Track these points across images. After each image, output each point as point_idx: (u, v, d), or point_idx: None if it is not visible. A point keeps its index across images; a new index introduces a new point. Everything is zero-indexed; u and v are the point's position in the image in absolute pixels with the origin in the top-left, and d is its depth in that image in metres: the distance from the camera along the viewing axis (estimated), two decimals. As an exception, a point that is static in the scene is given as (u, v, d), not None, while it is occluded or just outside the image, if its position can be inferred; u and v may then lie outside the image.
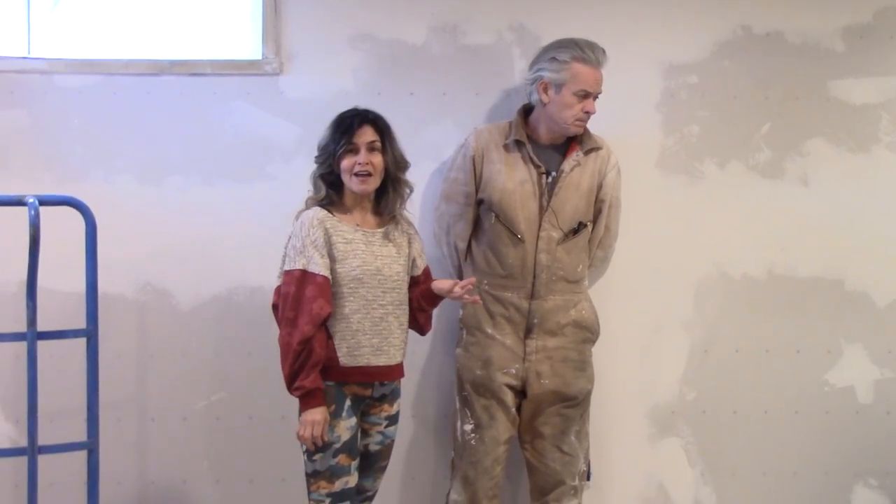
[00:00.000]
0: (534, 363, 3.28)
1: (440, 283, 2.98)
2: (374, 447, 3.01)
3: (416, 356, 3.54)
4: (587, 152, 3.31)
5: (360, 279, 2.86)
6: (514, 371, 3.28)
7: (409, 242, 3.03)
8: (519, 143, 3.27)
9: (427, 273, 3.08)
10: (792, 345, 3.69)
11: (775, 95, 3.66)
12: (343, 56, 3.59)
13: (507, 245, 3.27)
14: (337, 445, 2.84)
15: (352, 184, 2.88)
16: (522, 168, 3.26)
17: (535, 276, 3.26)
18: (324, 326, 2.84)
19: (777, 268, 3.68)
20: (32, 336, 2.85)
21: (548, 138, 3.29)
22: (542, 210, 3.25)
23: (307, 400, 2.79)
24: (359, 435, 2.93)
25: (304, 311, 2.78)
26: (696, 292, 3.67)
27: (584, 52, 3.15)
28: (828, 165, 3.67)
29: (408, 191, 3.01)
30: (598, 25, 3.61)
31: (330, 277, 2.84)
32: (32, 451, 2.87)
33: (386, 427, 3.01)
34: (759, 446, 3.70)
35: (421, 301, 3.01)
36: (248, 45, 3.65)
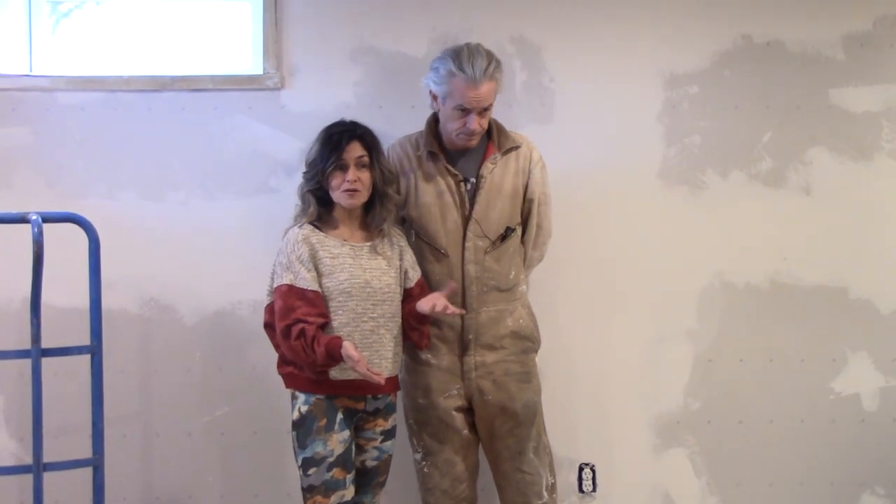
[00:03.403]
0: (474, 380, 3.13)
1: (422, 304, 2.92)
2: (370, 463, 3.00)
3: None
4: (505, 152, 3.17)
5: (348, 292, 2.86)
6: (455, 392, 3.14)
7: (401, 255, 3.02)
8: (432, 154, 3.14)
9: (421, 284, 3.05)
10: (796, 354, 3.68)
11: (776, 104, 3.66)
12: (344, 69, 3.60)
13: (430, 262, 3.13)
14: (330, 459, 2.83)
15: (340, 199, 2.90)
16: (440, 179, 3.13)
17: (464, 290, 3.11)
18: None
19: (780, 276, 3.67)
20: (36, 353, 2.85)
21: (456, 145, 3.15)
22: (465, 220, 3.12)
23: (336, 358, 2.75)
24: (353, 448, 2.92)
25: (293, 317, 2.79)
26: (700, 302, 3.66)
27: (462, 66, 2.97)
28: (830, 174, 3.67)
29: (392, 203, 3.02)
30: (599, 36, 3.63)
31: (321, 291, 2.84)
32: (38, 468, 2.87)
33: (382, 442, 3.00)
34: (764, 456, 3.68)
35: (410, 320, 2.98)
36: (249, 59, 3.66)
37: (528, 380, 3.21)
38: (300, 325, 2.77)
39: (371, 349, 2.88)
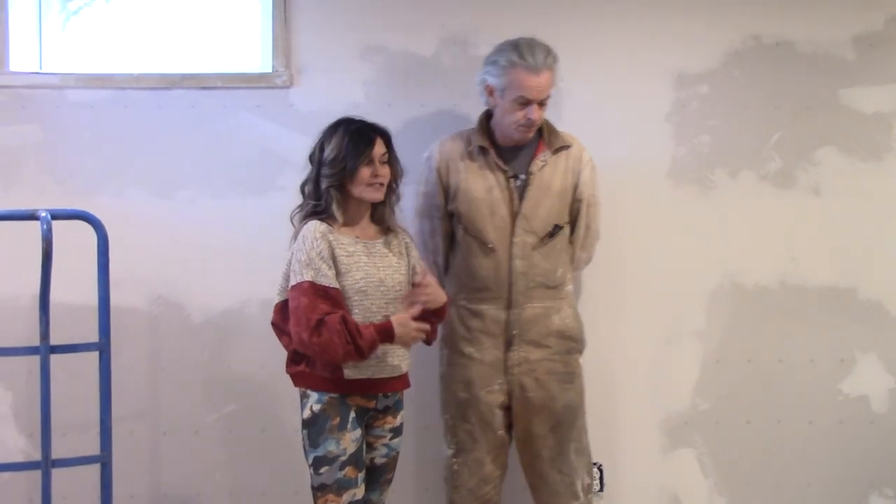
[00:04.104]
0: (517, 376, 3.15)
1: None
2: (379, 460, 3.00)
3: (427, 367, 3.53)
4: (556, 151, 3.20)
5: (363, 291, 2.85)
6: (497, 387, 3.16)
7: (408, 251, 3.03)
8: (483, 150, 3.17)
9: (423, 276, 3.01)
10: (805, 354, 3.67)
11: (786, 105, 3.65)
12: (353, 68, 3.60)
13: (477, 256, 3.16)
14: (343, 458, 2.83)
15: (365, 193, 2.89)
16: (489, 174, 3.16)
17: (510, 285, 3.14)
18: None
19: (789, 277, 3.67)
20: (45, 350, 2.86)
21: (509, 141, 3.17)
22: (513, 215, 3.14)
23: (385, 339, 2.80)
24: (364, 447, 2.92)
25: (321, 312, 2.76)
26: (709, 302, 3.66)
27: (522, 56, 3.01)
28: (839, 174, 3.66)
29: (395, 199, 3.03)
30: (608, 36, 3.64)
31: (341, 289, 2.84)
32: (46, 464, 2.87)
33: (391, 439, 3.00)
34: (773, 457, 3.68)
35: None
36: (258, 58, 3.67)
37: (570, 380, 3.22)
38: (337, 314, 2.74)
39: (384, 347, 2.87)
